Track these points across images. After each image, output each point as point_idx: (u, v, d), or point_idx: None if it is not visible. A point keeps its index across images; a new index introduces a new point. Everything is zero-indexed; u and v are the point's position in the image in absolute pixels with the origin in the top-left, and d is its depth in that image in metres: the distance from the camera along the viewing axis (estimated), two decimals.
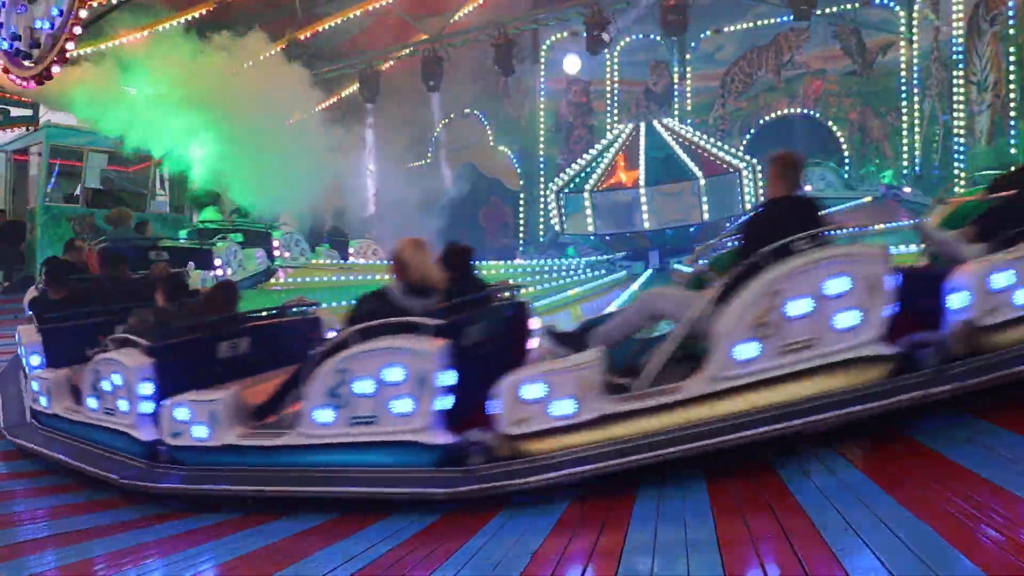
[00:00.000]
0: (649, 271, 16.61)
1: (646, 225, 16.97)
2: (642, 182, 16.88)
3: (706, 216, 16.67)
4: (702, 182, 16.59)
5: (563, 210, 18.34)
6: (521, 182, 24.63)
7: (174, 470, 6.45)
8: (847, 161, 20.36)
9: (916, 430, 4.58)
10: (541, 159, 24.09)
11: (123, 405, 7.00)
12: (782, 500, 4.16)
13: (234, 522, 5.66)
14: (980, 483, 3.78)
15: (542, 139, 24.25)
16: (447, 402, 5.33)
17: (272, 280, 16.73)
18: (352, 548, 4.63)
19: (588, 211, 17.58)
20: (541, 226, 23.26)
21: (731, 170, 17.00)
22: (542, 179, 23.28)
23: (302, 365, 5.93)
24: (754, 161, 17.50)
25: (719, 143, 18.27)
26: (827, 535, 3.52)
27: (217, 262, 15.89)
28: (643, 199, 16.83)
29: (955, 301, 4.76)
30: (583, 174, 17.98)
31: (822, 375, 4.73)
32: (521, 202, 24.58)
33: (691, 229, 17.01)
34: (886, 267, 4.78)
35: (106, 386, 7.24)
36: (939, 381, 4.57)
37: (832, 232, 5.31)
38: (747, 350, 4.83)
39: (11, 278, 16.47)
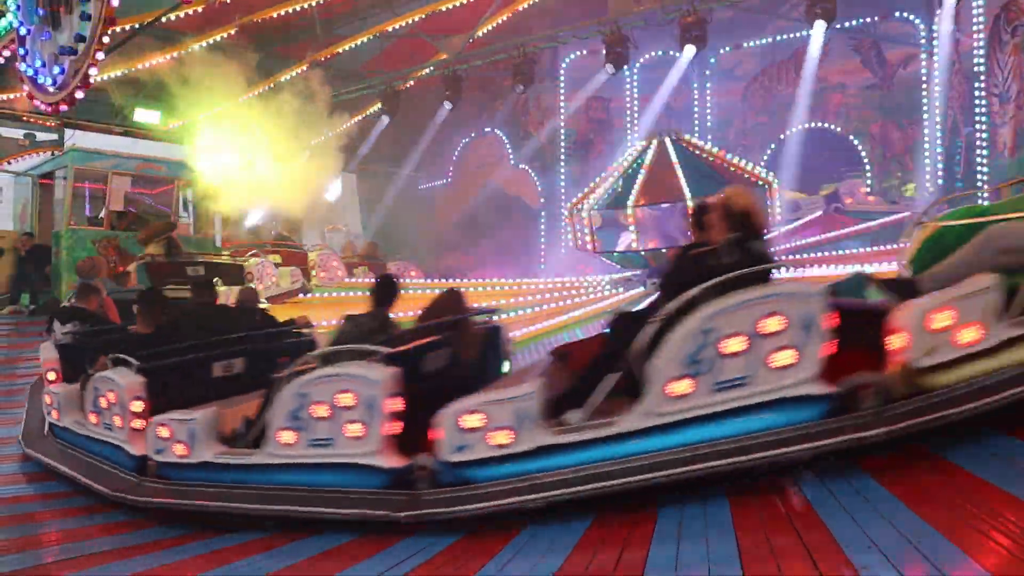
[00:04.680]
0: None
1: (634, 244, 16.99)
2: (630, 201, 16.84)
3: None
4: (689, 202, 16.47)
5: (577, 227, 18.32)
6: (542, 200, 24.67)
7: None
8: (869, 175, 20.27)
9: (939, 445, 4.54)
10: (562, 177, 24.14)
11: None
12: (805, 516, 4.12)
13: (256, 543, 5.67)
14: (1006, 499, 3.74)
15: (562, 157, 24.30)
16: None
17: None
18: (373, 568, 4.63)
19: (593, 228, 17.59)
20: (563, 243, 23.28)
21: (760, 183, 16.88)
22: (563, 196, 23.31)
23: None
24: (771, 178, 17.44)
25: (740, 158, 18.21)
26: (850, 551, 3.48)
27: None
28: (629, 218, 16.88)
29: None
30: (598, 191, 17.97)
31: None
32: (542, 220, 24.61)
33: None
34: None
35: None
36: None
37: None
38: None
39: (37, 300, 16.61)
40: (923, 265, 5.87)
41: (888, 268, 11.82)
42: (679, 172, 16.89)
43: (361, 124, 24.15)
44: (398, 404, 5.54)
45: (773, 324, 4.74)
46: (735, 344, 4.78)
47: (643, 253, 17.36)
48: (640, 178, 17.34)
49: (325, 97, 21.28)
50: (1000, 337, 4.57)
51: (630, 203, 16.96)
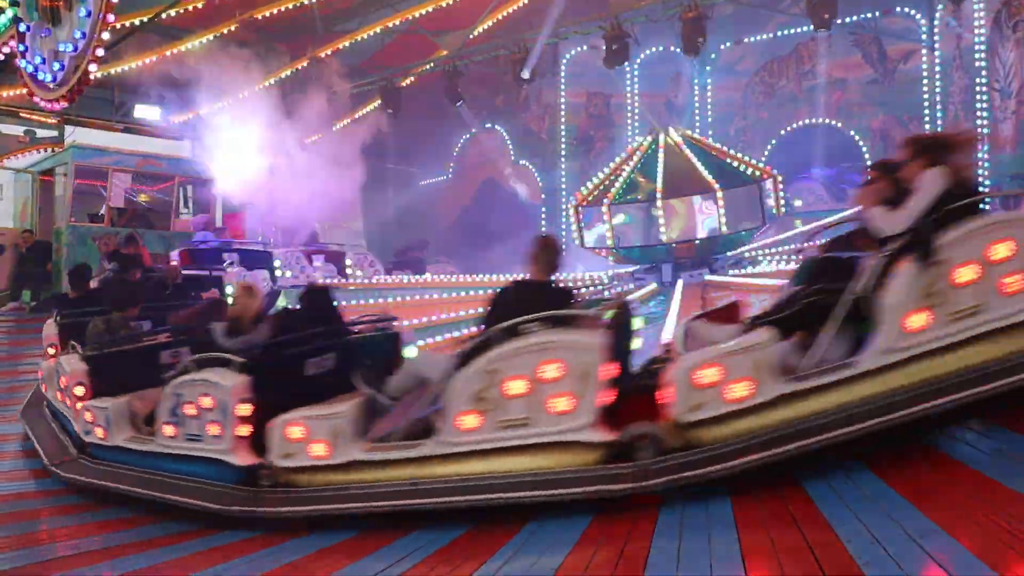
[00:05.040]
0: (680, 284, 16.37)
1: (662, 238, 16.82)
2: (658, 194, 16.74)
3: (724, 228, 16.48)
4: (719, 194, 16.41)
5: (582, 223, 18.27)
6: (543, 196, 24.64)
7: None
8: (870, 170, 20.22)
9: (942, 442, 4.53)
10: (562, 173, 24.09)
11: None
12: (807, 513, 4.12)
13: (257, 539, 5.67)
14: (1009, 495, 3.74)
15: (563, 153, 24.26)
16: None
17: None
18: (373, 566, 4.62)
19: (606, 224, 17.48)
20: (564, 240, 23.23)
21: (751, 181, 16.82)
22: (564, 193, 23.26)
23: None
24: (775, 172, 17.39)
25: (740, 154, 18.15)
26: (852, 548, 3.47)
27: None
28: (659, 211, 16.72)
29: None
30: (603, 187, 17.90)
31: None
32: (543, 215, 24.58)
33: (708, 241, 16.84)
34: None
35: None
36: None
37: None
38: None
39: (38, 298, 16.61)
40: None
41: None
42: (699, 165, 16.84)
43: (361, 120, 24.10)
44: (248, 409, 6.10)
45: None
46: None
47: (674, 245, 17.16)
48: (624, 174, 17.28)
49: (325, 93, 21.28)
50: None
51: (659, 197, 16.80)
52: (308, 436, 5.73)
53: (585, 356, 4.95)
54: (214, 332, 7.13)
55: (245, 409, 6.11)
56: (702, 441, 4.72)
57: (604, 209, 17.44)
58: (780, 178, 17.07)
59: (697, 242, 16.81)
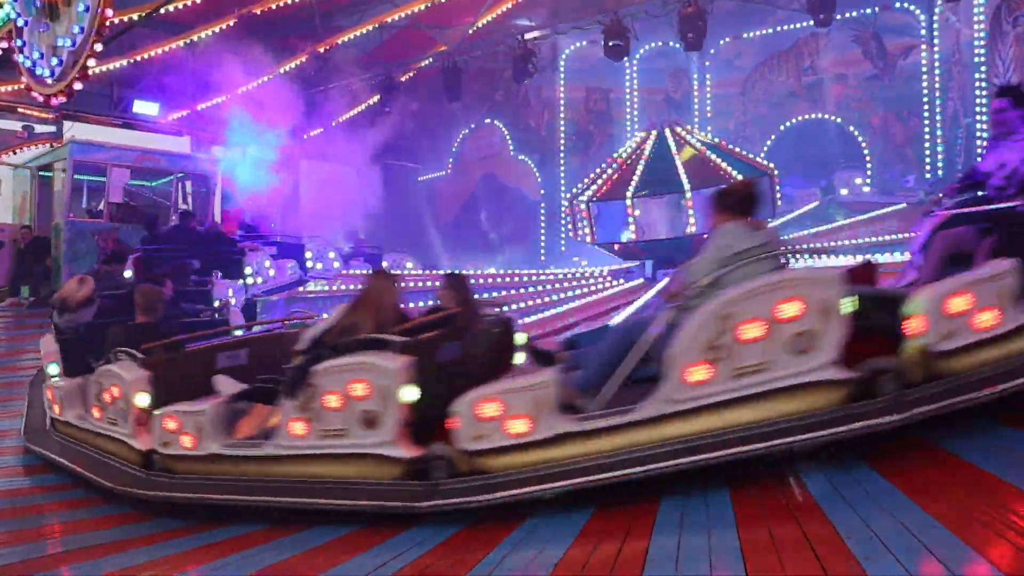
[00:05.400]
0: (666, 279, 16.41)
1: (632, 236, 16.91)
2: (630, 193, 16.81)
3: (693, 228, 16.48)
4: (688, 194, 16.45)
5: (577, 218, 18.29)
6: (542, 191, 24.64)
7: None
8: (869, 166, 20.24)
9: (942, 437, 4.53)
10: (562, 168, 24.10)
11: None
12: (806, 508, 4.12)
13: (256, 535, 5.67)
14: (1009, 491, 3.74)
15: (562, 148, 24.26)
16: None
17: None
18: (374, 560, 4.62)
19: (593, 220, 17.52)
20: (563, 235, 23.25)
21: (761, 171, 16.80)
22: (563, 188, 23.27)
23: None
24: (772, 167, 17.40)
25: (738, 149, 18.14)
26: (851, 543, 3.48)
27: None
28: (630, 209, 16.77)
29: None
30: (599, 182, 17.92)
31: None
32: (542, 211, 24.59)
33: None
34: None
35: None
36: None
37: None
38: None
39: (37, 293, 16.60)
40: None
41: (897, 257, 11.85)
42: (678, 164, 16.86)
43: (360, 115, 24.09)
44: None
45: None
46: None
47: (640, 245, 17.31)
48: (639, 170, 17.32)
49: (324, 89, 21.29)
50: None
51: (628, 194, 16.92)
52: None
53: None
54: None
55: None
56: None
57: (582, 206, 17.51)
58: (775, 172, 17.10)
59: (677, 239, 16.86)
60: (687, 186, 16.49)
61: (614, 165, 17.98)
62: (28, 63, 12.86)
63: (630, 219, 16.90)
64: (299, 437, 5.72)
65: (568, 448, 4.98)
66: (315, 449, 5.71)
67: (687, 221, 16.58)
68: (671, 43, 21.38)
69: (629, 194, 16.94)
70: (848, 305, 4.64)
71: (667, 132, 17.68)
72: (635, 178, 17.09)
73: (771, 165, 17.54)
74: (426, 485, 5.27)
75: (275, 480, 5.89)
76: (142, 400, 6.90)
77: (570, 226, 18.86)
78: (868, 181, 20.12)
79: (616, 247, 17.93)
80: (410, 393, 5.41)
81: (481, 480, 5.15)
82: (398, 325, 5.94)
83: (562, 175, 24.03)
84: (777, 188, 17.17)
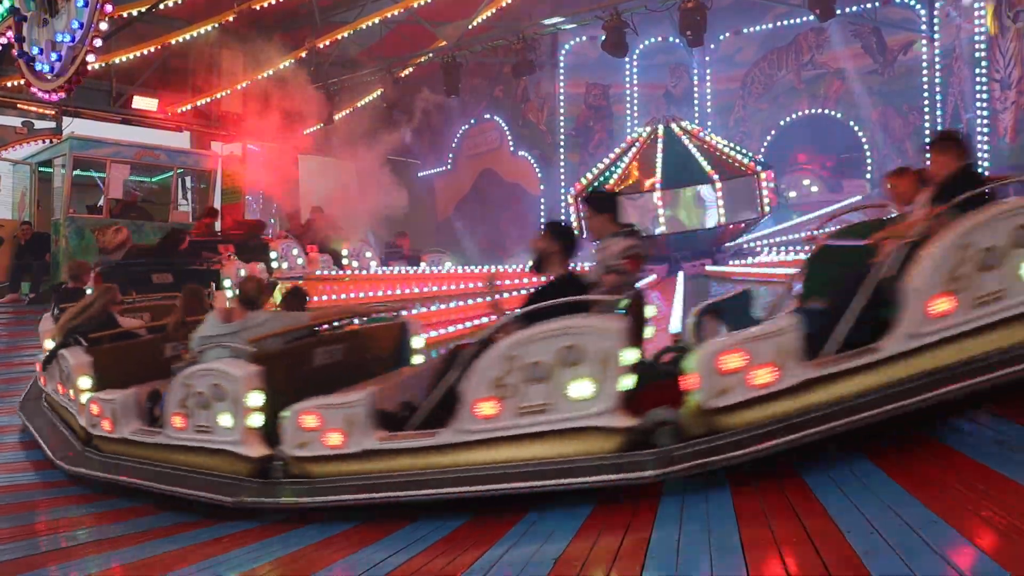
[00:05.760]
0: (681, 274, 16.34)
1: (660, 229, 16.82)
2: (658, 185, 16.75)
3: (722, 219, 16.50)
4: (719, 185, 16.43)
5: (581, 214, 18.27)
6: (542, 187, 24.62)
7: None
8: (870, 161, 20.22)
9: (942, 433, 4.53)
10: (561, 163, 24.06)
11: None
12: (806, 503, 4.12)
13: (257, 531, 5.68)
14: (1007, 485, 3.74)
15: (562, 143, 24.23)
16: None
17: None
18: (375, 555, 4.63)
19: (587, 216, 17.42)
20: None
21: (748, 172, 16.82)
22: (563, 184, 23.25)
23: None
24: (769, 165, 17.40)
25: (738, 146, 18.13)
26: (851, 538, 3.48)
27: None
28: (658, 202, 16.71)
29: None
30: (602, 178, 17.89)
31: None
32: (542, 207, 24.56)
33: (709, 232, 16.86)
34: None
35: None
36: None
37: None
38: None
39: (36, 290, 16.59)
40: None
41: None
42: (658, 160, 16.89)
43: (359, 111, 24.08)
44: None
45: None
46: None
47: (664, 237, 17.15)
48: (623, 165, 17.34)
49: (324, 84, 21.27)
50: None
51: (654, 187, 16.81)
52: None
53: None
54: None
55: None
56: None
57: (652, 196, 17.37)
58: (771, 172, 17.10)
59: (696, 234, 16.84)
60: (698, 179, 16.55)
61: (624, 159, 17.93)
62: (27, 59, 12.85)
63: (659, 212, 16.81)
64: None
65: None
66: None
67: (717, 213, 16.61)
68: (671, 38, 21.35)
69: (655, 185, 16.89)
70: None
71: (660, 128, 17.67)
72: (634, 175, 17.10)
73: (769, 163, 17.53)
74: None
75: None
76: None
77: (576, 222, 18.84)
78: (868, 176, 20.10)
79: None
80: None
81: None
82: None
83: (562, 171, 23.99)
84: (771, 185, 17.14)
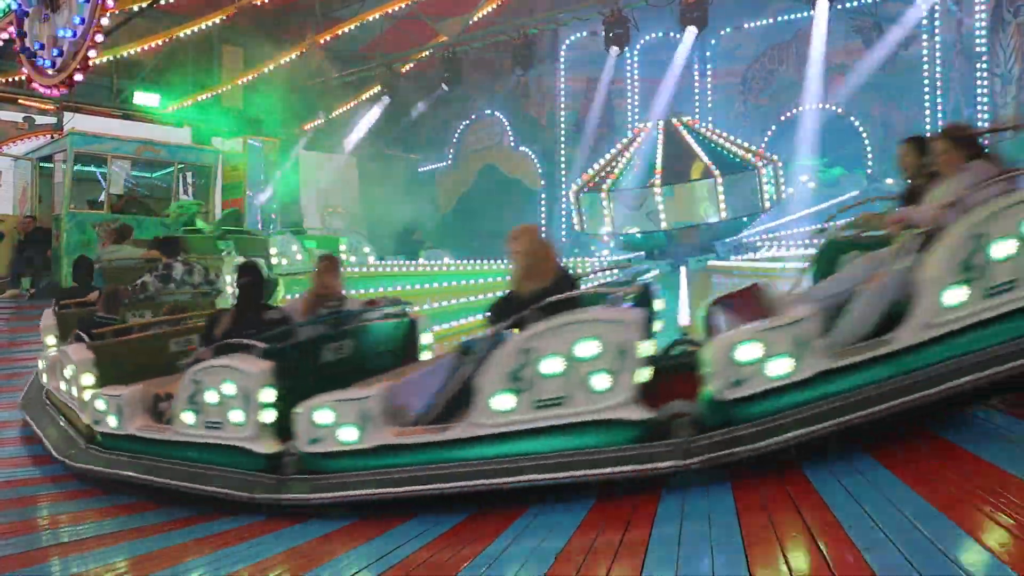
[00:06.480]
0: (684, 269, 16.38)
1: (662, 224, 16.85)
2: (658, 181, 16.77)
3: (724, 215, 16.52)
4: (719, 180, 16.44)
5: (582, 209, 18.28)
6: (542, 182, 24.63)
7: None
8: (870, 156, 20.22)
9: (944, 427, 4.54)
10: (562, 158, 24.07)
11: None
12: (808, 498, 4.13)
13: (258, 525, 5.68)
14: (1008, 479, 3.74)
15: (563, 139, 24.24)
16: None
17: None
18: (376, 550, 4.63)
19: (606, 210, 17.49)
20: (563, 226, 23.24)
21: (750, 167, 16.84)
22: (564, 179, 23.26)
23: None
24: (775, 158, 17.40)
25: (739, 140, 18.14)
26: (853, 532, 3.48)
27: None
28: (658, 198, 16.73)
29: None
30: (603, 173, 17.90)
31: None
32: (543, 202, 24.57)
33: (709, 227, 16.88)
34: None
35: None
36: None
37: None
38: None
39: (37, 284, 16.59)
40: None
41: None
42: (699, 152, 16.89)
43: (360, 106, 24.08)
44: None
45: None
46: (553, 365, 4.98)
47: (667, 232, 17.20)
48: (659, 159, 17.28)
49: (324, 79, 21.24)
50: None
51: (656, 182, 16.85)
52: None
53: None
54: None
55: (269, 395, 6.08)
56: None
57: (603, 195, 17.46)
58: (780, 163, 17.10)
59: (698, 228, 16.86)
60: (697, 176, 16.55)
61: (626, 156, 17.96)
62: (29, 54, 12.84)
63: (659, 208, 16.85)
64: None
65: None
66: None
67: (717, 208, 16.61)
68: (672, 33, 21.35)
69: (657, 181, 16.92)
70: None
71: (662, 124, 17.71)
72: (635, 170, 17.13)
73: (774, 156, 17.53)
74: None
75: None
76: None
77: (577, 218, 18.87)
78: (868, 171, 20.10)
79: (639, 236, 17.89)
80: None
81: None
82: None
83: (562, 166, 24.01)
84: (781, 178, 17.17)
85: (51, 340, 9.97)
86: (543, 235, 6.07)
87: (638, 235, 17.33)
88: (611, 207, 17.42)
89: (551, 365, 4.97)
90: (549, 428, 4.99)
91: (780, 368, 4.70)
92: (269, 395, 6.03)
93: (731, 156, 17.11)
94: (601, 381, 4.89)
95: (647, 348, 5.06)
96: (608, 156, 18.44)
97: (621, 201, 17.41)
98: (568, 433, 4.95)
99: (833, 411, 4.59)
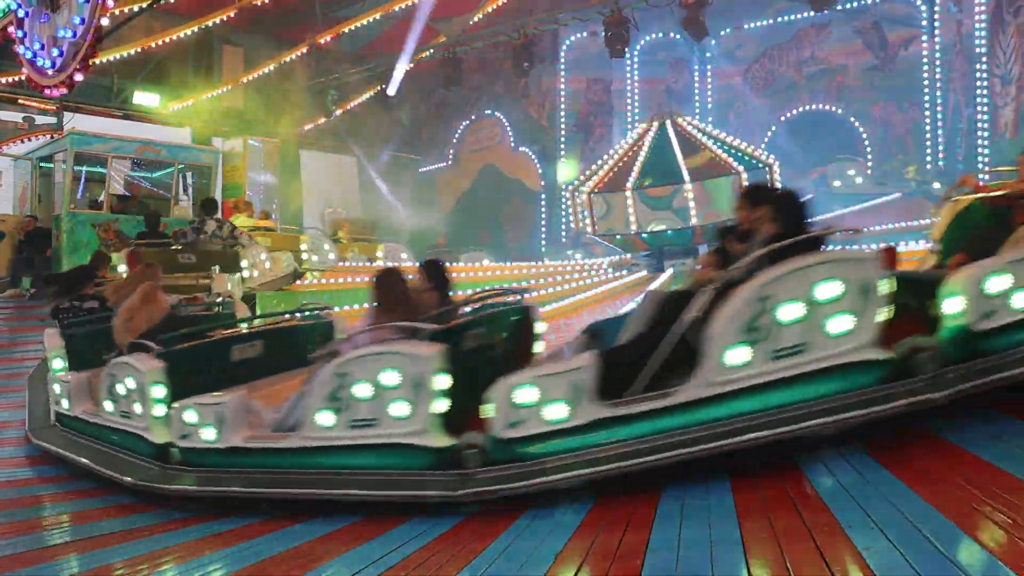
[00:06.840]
0: (670, 271, 16.42)
1: (633, 227, 16.92)
2: (630, 184, 16.85)
3: (694, 219, 16.53)
4: (688, 185, 16.49)
5: (594, 210, 18.29)
6: (542, 182, 24.64)
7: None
8: (870, 156, 20.22)
9: (943, 427, 4.54)
10: (562, 159, 24.09)
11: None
12: (807, 498, 4.13)
13: (257, 526, 5.68)
14: (1008, 480, 3.74)
15: (563, 139, 24.25)
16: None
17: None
18: (375, 551, 4.63)
19: (630, 209, 17.50)
20: (563, 226, 23.25)
21: (731, 172, 16.78)
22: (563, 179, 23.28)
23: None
24: (772, 159, 17.40)
25: (738, 140, 18.13)
26: (852, 532, 3.49)
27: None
28: (629, 201, 16.79)
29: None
30: (615, 173, 17.92)
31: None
32: (542, 202, 24.58)
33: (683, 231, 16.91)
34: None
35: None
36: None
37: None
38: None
39: (37, 284, 16.59)
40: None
41: (913, 246, 11.86)
42: (716, 149, 16.92)
43: (360, 107, 24.07)
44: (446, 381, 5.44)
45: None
46: (794, 311, 4.72)
47: (644, 236, 17.30)
48: (639, 161, 17.33)
49: (325, 79, 21.22)
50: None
51: (629, 186, 16.94)
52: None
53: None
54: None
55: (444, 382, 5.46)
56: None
57: (583, 198, 17.50)
58: (777, 165, 17.11)
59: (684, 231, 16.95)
60: (687, 178, 16.53)
61: (615, 156, 17.98)
62: (29, 54, 12.83)
63: (631, 210, 16.92)
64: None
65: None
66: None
67: (688, 212, 16.61)
68: (672, 34, 21.36)
69: (629, 185, 16.96)
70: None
71: (668, 124, 17.70)
72: (635, 169, 17.12)
73: (772, 157, 17.53)
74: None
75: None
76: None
77: (574, 218, 18.87)
78: (867, 171, 20.09)
79: (617, 237, 17.93)
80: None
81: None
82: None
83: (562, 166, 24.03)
84: (777, 180, 17.16)
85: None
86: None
87: (668, 232, 17.23)
88: (635, 206, 17.33)
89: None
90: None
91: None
92: (443, 381, 5.42)
93: (741, 154, 17.13)
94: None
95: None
96: (615, 156, 18.40)
97: (646, 199, 17.33)
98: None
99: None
